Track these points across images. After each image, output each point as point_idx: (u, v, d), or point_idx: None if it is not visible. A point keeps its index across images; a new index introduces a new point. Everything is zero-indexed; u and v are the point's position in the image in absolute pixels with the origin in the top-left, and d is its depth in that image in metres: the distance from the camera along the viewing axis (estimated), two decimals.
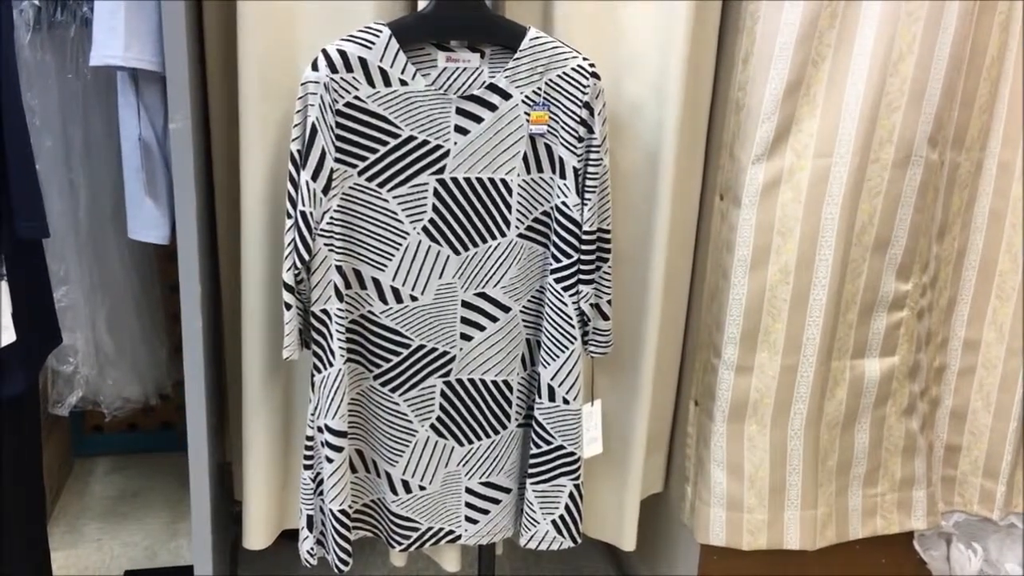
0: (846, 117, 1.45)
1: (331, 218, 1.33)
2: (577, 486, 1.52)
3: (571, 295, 1.43)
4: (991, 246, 1.68)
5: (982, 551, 1.83)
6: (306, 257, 1.33)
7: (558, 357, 1.45)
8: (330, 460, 1.39)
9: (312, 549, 1.47)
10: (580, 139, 1.37)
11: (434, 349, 1.44)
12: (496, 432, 1.51)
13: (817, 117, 1.45)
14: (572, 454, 1.50)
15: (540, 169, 1.41)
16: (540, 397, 1.47)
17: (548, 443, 1.49)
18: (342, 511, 1.42)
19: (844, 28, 1.43)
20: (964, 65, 1.52)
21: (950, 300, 1.72)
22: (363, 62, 1.29)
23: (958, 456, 1.78)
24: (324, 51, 1.28)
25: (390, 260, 1.39)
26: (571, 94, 1.36)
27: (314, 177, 1.31)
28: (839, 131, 1.45)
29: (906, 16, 1.43)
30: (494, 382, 1.48)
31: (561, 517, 1.53)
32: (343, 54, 1.29)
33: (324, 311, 1.36)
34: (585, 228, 1.40)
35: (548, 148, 1.40)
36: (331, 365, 1.37)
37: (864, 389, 1.62)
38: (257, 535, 1.59)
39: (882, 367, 1.62)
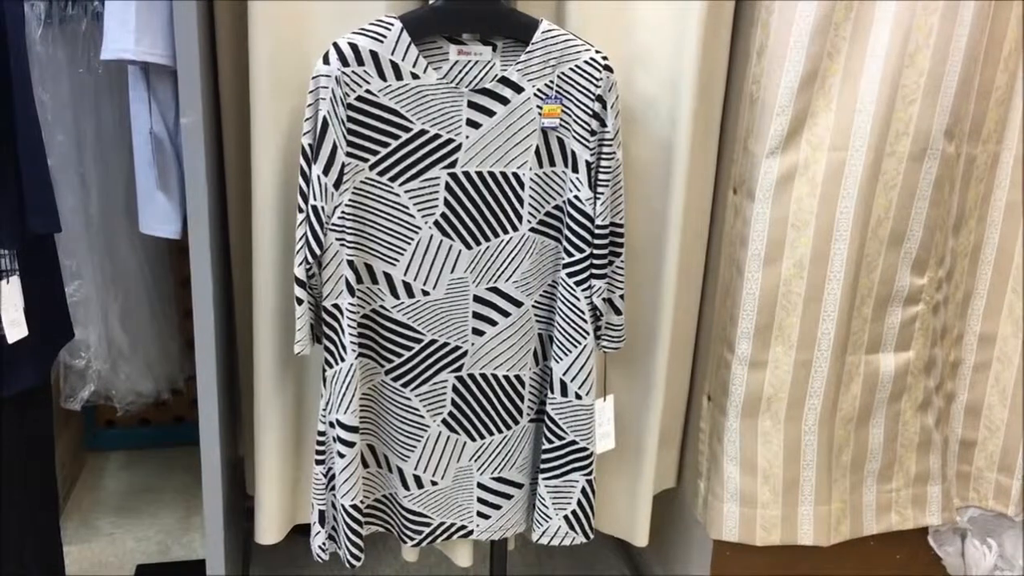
0: (861, 110, 1.44)
1: (342, 212, 1.33)
2: (589, 481, 1.51)
3: (583, 290, 1.42)
4: (1007, 240, 1.66)
5: (997, 547, 1.81)
6: (317, 252, 1.33)
7: (570, 352, 1.44)
8: (342, 455, 1.39)
9: (324, 544, 1.47)
10: (593, 132, 1.37)
11: (446, 344, 1.44)
12: (508, 427, 1.51)
13: (832, 110, 1.44)
14: (584, 449, 1.49)
15: (552, 163, 1.40)
16: (552, 392, 1.47)
17: (560, 438, 1.48)
18: (354, 506, 1.42)
19: (860, 20, 1.42)
20: (981, 57, 1.50)
21: (966, 294, 1.71)
22: (374, 55, 1.29)
23: (973, 451, 1.77)
24: (335, 44, 1.28)
25: (402, 255, 1.39)
26: (584, 87, 1.35)
27: (325, 171, 1.30)
28: (854, 124, 1.44)
29: (922, 8, 1.42)
30: (506, 377, 1.48)
31: (573, 512, 1.52)
32: (354, 47, 1.28)
33: (336, 306, 1.36)
34: (598, 222, 1.39)
35: (560, 142, 1.39)
36: (343, 360, 1.36)
37: (879, 384, 1.61)
38: (269, 530, 1.59)
39: (897, 362, 1.61)
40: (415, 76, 1.31)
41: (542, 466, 1.51)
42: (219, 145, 1.52)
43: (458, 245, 1.40)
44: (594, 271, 1.42)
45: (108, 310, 2.02)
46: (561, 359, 1.45)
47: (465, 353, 1.45)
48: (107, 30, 1.44)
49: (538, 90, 1.35)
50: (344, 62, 1.28)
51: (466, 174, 1.37)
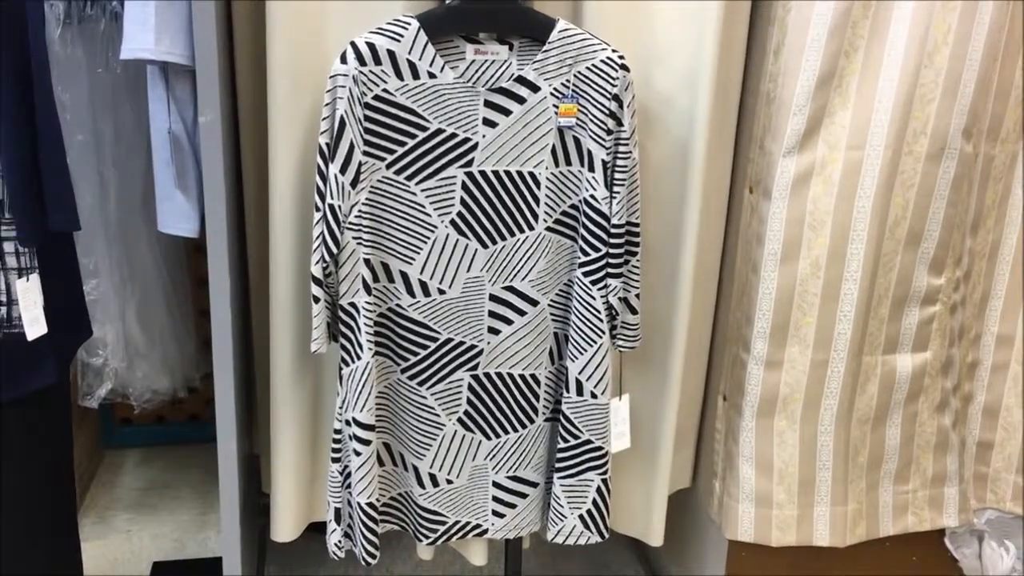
0: (879, 109, 1.43)
1: (359, 211, 1.33)
2: (605, 481, 1.51)
3: (599, 289, 1.42)
4: None
5: (1015, 549, 1.80)
6: (334, 250, 1.33)
7: (586, 351, 1.44)
8: (358, 453, 1.39)
9: (340, 542, 1.48)
10: (609, 132, 1.37)
11: (462, 343, 1.44)
12: (523, 426, 1.51)
13: (850, 109, 1.44)
14: (600, 448, 1.49)
15: (568, 162, 1.40)
16: (568, 391, 1.47)
17: (576, 437, 1.48)
18: (369, 504, 1.42)
19: (878, 18, 1.41)
20: (1000, 56, 1.49)
21: (983, 294, 1.70)
22: (391, 55, 1.29)
23: (991, 452, 1.76)
24: (353, 44, 1.28)
25: (418, 253, 1.39)
26: (600, 86, 1.35)
27: (342, 170, 1.31)
28: (872, 123, 1.44)
29: (941, 6, 1.41)
30: (522, 376, 1.48)
31: (588, 512, 1.52)
32: (372, 47, 1.28)
33: (352, 304, 1.36)
34: (614, 221, 1.39)
35: (577, 141, 1.39)
36: (359, 358, 1.37)
37: (896, 385, 1.60)
38: (285, 528, 1.59)
39: (914, 362, 1.60)
40: (432, 75, 1.32)
41: (557, 465, 1.51)
42: (237, 144, 1.53)
43: (474, 244, 1.40)
44: (610, 270, 1.42)
45: (125, 308, 2.03)
46: (577, 358, 1.45)
47: (481, 352, 1.45)
48: (126, 30, 1.45)
49: (554, 89, 1.36)
50: (361, 61, 1.28)
51: (482, 173, 1.38)
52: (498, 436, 1.50)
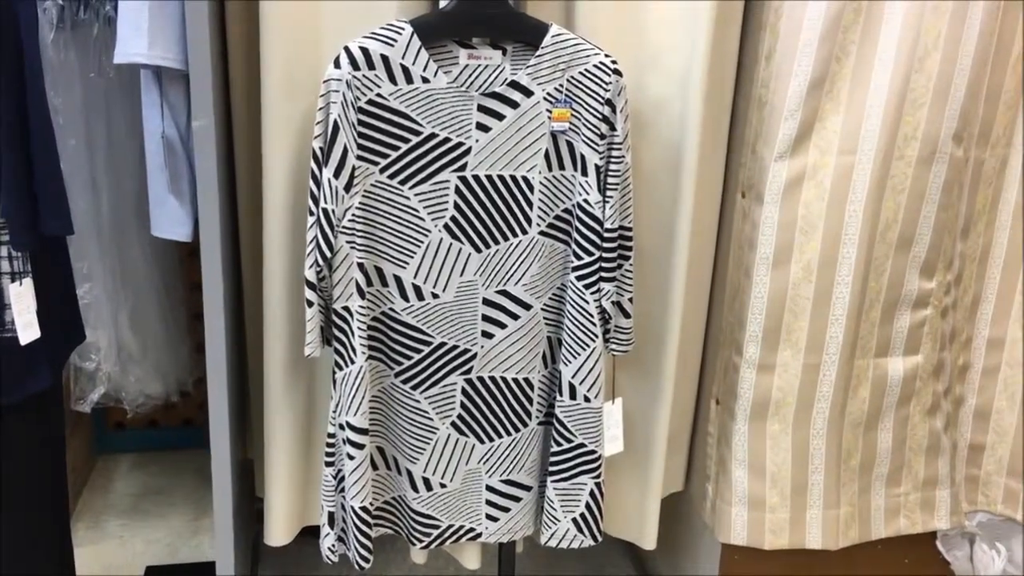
0: (870, 114, 1.44)
1: (353, 215, 1.33)
2: (598, 484, 1.51)
3: (592, 293, 1.42)
4: (1016, 243, 1.66)
5: (1006, 551, 1.81)
6: (328, 254, 1.34)
7: (579, 355, 1.44)
8: (351, 457, 1.40)
9: (333, 546, 1.48)
10: (602, 136, 1.37)
11: (455, 347, 1.44)
12: (517, 430, 1.51)
13: (841, 114, 1.44)
14: (593, 452, 1.49)
15: (562, 166, 1.40)
16: (561, 395, 1.47)
17: (569, 441, 1.49)
18: (363, 508, 1.42)
19: (868, 24, 1.42)
20: (990, 60, 1.50)
21: (974, 298, 1.71)
22: (385, 59, 1.30)
23: (982, 455, 1.77)
24: (346, 49, 1.28)
25: (412, 257, 1.39)
26: (593, 91, 1.36)
27: (336, 174, 1.31)
28: (863, 128, 1.44)
29: (931, 11, 1.42)
30: (515, 380, 1.48)
31: (582, 515, 1.53)
32: (365, 52, 1.29)
33: (345, 308, 1.37)
34: (607, 226, 1.39)
35: (570, 145, 1.39)
36: (352, 362, 1.37)
37: (887, 388, 1.61)
38: (278, 532, 1.59)
39: (906, 366, 1.61)
40: (425, 80, 1.32)
41: (551, 469, 1.51)
42: (230, 148, 1.53)
43: (468, 248, 1.40)
44: (603, 274, 1.42)
45: (119, 312, 2.03)
46: (570, 362, 1.45)
47: (474, 356, 1.45)
48: (120, 34, 1.45)
49: (548, 94, 1.36)
50: (355, 66, 1.28)
51: (476, 178, 1.38)
52: (491, 440, 1.50)
